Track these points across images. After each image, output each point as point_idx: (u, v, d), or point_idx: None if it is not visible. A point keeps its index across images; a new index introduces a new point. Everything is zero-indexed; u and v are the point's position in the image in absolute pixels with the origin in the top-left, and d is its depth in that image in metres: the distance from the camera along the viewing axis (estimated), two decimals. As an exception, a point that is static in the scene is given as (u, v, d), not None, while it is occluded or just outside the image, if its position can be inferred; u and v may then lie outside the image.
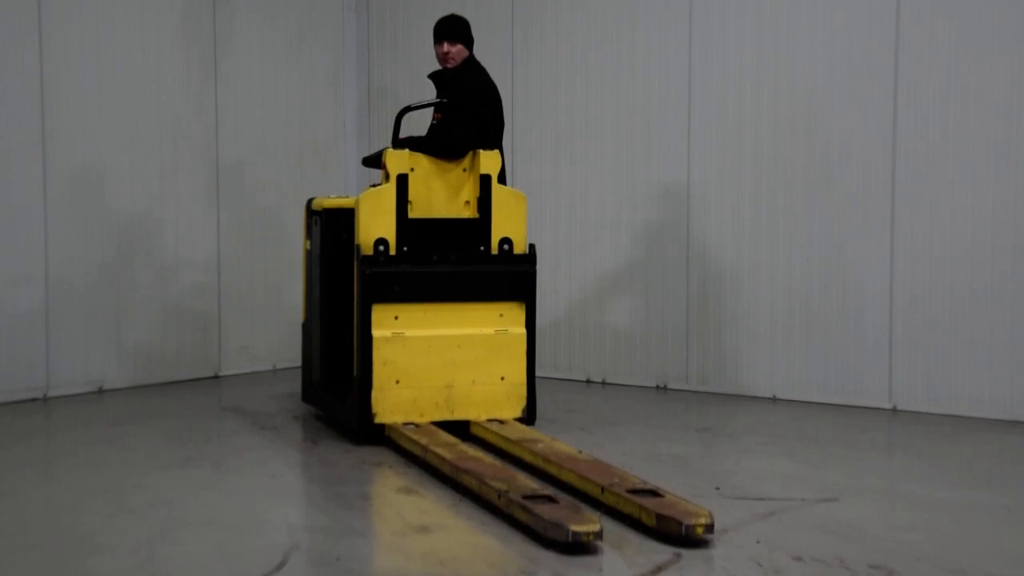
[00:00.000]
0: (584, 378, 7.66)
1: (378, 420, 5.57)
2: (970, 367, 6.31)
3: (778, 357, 6.92)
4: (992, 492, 4.81)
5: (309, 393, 6.38)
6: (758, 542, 4.06)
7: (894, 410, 6.53)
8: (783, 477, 5.04)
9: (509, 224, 5.81)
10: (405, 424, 5.55)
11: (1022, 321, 6.17)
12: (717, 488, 4.73)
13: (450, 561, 3.90)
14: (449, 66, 6.11)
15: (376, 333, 5.56)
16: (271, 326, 8.08)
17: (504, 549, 4.01)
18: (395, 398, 5.59)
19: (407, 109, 5.94)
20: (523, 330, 5.76)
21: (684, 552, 3.95)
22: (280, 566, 3.82)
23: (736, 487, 4.81)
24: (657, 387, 7.35)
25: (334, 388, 6.05)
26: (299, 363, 6.80)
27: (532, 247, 5.85)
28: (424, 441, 5.17)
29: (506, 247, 5.78)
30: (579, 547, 3.95)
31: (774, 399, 6.92)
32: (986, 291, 6.26)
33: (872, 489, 4.89)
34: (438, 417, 5.64)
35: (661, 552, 3.96)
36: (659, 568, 3.80)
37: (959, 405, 6.34)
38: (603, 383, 7.57)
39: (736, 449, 5.67)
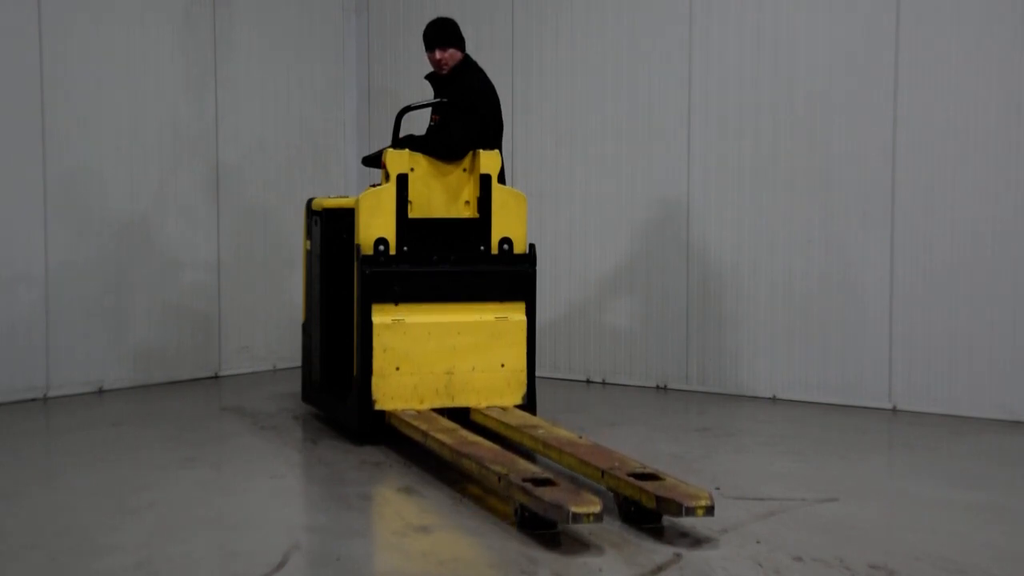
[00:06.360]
0: (584, 378, 7.66)
1: (378, 407, 5.57)
2: (970, 367, 6.31)
3: (778, 357, 6.92)
4: (992, 492, 4.81)
5: (309, 393, 6.38)
6: (758, 542, 4.06)
7: (894, 410, 6.53)
8: (783, 477, 5.04)
9: (509, 224, 5.81)
10: (405, 411, 5.56)
11: (1022, 321, 6.17)
12: (717, 488, 4.72)
13: (450, 561, 3.90)
14: (444, 72, 6.07)
15: (376, 320, 5.57)
16: (271, 326, 8.08)
17: (504, 549, 4.01)
18: (395, 385, 5.59)
19: (407, 109, 5.94)
20: (523, 317, 5.76)
21: (684, 552, 3.95)
22: (280, 566, 3.82)
23: (736, 487, 4.81)
24: (657, 387, 7.34)
25: (334, 388, 6.05)
26: (299, 363, 6.80)
27: (532, 247, 5.85)
28: (424, 427, 5.18)
29: (506, 247, 5.78)
30: (579, 544, 3.96)
31: (774, 399, 6.92)
32: (986, 291, 6.26)
33: (872, 489, 4.89)
34: (438, 404, 5.65)
35: (661, 552, 3.96)
36: (659, 568, 3.80)
37: (959, 405, 6.34)
38: (603, 383, 7.57)
39: (736, 449, 5.67)
